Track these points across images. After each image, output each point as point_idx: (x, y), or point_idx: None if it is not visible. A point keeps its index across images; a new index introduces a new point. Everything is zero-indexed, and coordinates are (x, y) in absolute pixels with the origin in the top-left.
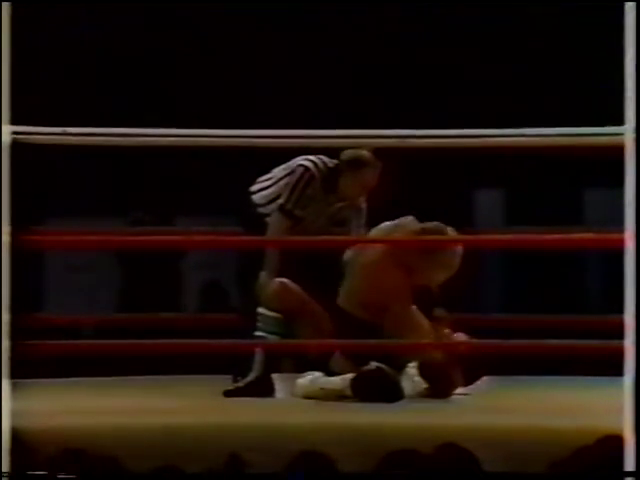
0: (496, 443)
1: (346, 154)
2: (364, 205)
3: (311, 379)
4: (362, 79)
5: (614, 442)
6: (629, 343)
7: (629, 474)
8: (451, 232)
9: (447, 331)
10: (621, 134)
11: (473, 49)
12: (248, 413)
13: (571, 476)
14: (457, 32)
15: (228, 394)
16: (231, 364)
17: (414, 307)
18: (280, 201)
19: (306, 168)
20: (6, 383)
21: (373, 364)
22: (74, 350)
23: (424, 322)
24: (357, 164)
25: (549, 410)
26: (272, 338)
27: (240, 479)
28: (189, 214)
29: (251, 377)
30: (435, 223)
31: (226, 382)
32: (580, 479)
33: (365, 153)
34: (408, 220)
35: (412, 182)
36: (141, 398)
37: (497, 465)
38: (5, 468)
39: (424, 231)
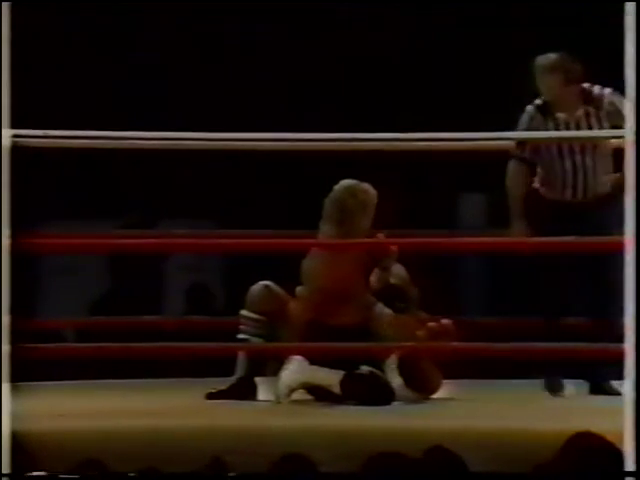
0: (483, 446)
1: (539, 63)
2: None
3: (294, 372)
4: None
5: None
6: (629, 346)
7: (629, 474)
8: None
9: (431, 324)
10: (621, 136)
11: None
12: (231, 416)
13: (569, 476)
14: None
15: (211, 397)
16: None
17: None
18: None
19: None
20: (6, 386)
21: (364, 368)
22: (72, 353)
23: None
24: (553, 67)
25: (535, 413)
26: (255, 341)
27: None
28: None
29: (234, 380)
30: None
31: (209, 385)
32: (580, 479)
33: (550, 56)
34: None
35: None
36: (124, 400)
37: (484, 467)
38: (5, 470)
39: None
